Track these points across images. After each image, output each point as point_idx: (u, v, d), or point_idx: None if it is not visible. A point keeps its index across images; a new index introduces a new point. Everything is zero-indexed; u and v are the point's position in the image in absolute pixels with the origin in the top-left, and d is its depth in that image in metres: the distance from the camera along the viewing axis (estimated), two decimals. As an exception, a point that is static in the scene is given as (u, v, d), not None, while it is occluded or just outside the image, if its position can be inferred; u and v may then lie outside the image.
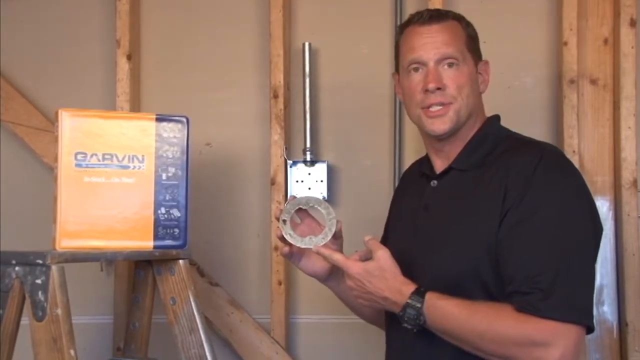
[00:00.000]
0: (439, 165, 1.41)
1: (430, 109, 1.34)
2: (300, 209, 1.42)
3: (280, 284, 1.96)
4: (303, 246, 1.39)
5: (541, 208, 1.22)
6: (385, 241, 1.51)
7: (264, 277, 2.02)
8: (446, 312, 1.22)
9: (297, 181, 1.99)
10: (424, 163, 1.46)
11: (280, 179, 1.98)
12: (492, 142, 1.35)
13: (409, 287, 1.27)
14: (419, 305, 1.23)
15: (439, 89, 1.32)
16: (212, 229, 2.06)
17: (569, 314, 1.17)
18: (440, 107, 1.33)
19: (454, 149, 1.38)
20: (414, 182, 1.48)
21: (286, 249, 1.42)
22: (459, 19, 1.35)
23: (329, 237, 1.38)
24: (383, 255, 1.29)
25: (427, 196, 1.39)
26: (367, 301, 1.31)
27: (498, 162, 1.31)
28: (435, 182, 1.40)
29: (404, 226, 1.43)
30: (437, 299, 1.24)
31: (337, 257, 1.33)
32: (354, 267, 1.29)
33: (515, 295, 1.20)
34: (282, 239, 1.41)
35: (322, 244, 1.37)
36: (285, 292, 1.97)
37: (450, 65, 1.32)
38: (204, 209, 2.04)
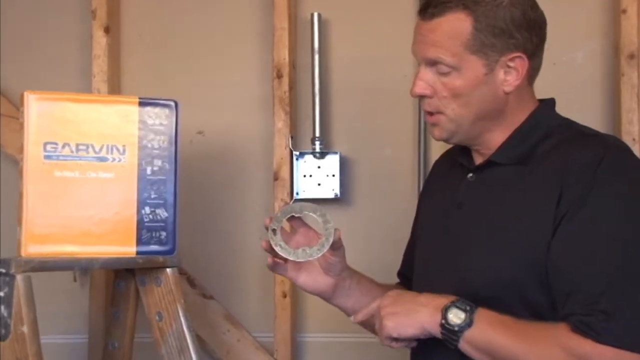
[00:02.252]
0: (479, 155, 1.39)
1: (427, 113, 1.37)
2: (293, 216, 1.40)
3: (285, 296, 1.95)
4: (295, 259, 1.37)
5: (604, 217, 1.21)
6: (412, 248, 1.52)
7: (266, 288, 2.00)
8: (495, 323, 1.21)
9: (304, 176, 1.97)
10: (460, 151, 1.43)
11: (284, 173, 1.97)
12: (544, 132, 1.33)
13: (450, 297, 1.26)
14: (467, 306, 1.23)
15: (422, 95, 1.34)
16: (206, 232, 2.05)
17: (633, 342, 1.15)
18: (434, 115, 1.34)
19: (497, 138, 1.36)
20: (446, 174, 1.46)
21: (270, 259, 1.42)
22: (472, 8, 1.28)
23: (326, 248, 1.36)
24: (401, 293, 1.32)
25: (462, 192, 1.37)
26: (393, 317, 1.28)
27: (550, 157, 1.29)
28: (473, 175, 1.38)
29: (433, 228, 1.42)
30: (486, 310, 1.23)
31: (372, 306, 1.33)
32: (382, 299, 1.31)
33: (571, 317, 1.19)
34: (271, 250, 1.40)
35: (318, 255, 1.36)
36: (290, 306, 1.96)
37: (440, 70, 1.31)
38: (196, 209, 2.03)
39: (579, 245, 1.21)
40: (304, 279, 1.44)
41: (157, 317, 1.53)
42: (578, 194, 1.23)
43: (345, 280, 1.44)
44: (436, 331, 1.25)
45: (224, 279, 2.04)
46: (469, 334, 1.23)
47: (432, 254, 1.38)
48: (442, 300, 1.25)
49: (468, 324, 1.22)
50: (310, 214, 1.38)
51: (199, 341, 1.81)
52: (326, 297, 1.47)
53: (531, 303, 1.24)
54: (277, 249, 1.37)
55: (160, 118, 1.51)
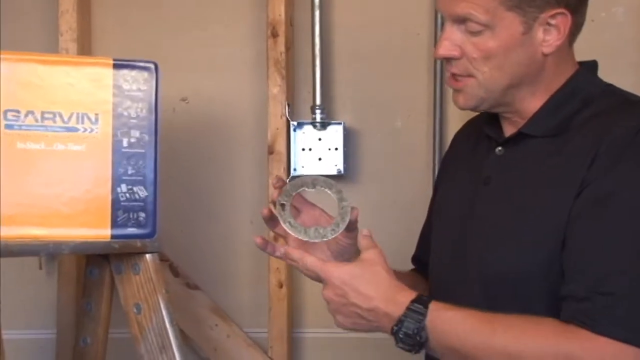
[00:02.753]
0: (508, 126, 1.39)
1: (452, 78, 1.36)
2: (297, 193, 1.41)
3: (281, 286, 1.96)
4: (307, 239, 1.38)
5: (626, 191, 1.21)
6: (429, 230, 1.50)
7: (259, 277, 2.01)
8: (456, 326, 1.22)
9: (303, 149, 1.99)
10: (488, 120, 1.43)
11: (280, 146, 1.98)
12: (582, 100, 1.33)
13: (408, 295, 1.26)
14: (420, 316, 1.23)
15: (449, 58, 1.34)
16: (190, 213, 2.06)
17: (632, 333, 1.15)
18: (460, 79, 1.34)
19: (531, 106, 1.35)
20: (471, 147, 1.46)
21: (259, 238, 1.42)
22: None
23: (341, 229, 1.37)
24: (374, 256, 1.30)
25: (489, 167, 1.38)
26: (346, 319, 1.30)
27: (589, 127, 1.29)
28: (502, 149, 1.38)
29: (454, 207, 1.42)
30: (446, 309, 1.24)
31: (309, 260, 1.32)
32: (334, 270, 1.29)
33: (568, 301, 1.21)
34: (270, 221, 1.41)
35: (332, 236, 1.36)
36: (287, 297, 1.97)
37: (470, 29, 1.31)
38: (179, 187, 2.04)
39: (592, 218, 1.22)
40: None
41: (135, 310, 1.53)
42: (607, 162, 1.23)
43: None
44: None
45: (211, 267, 2.05)
46: (428, 348, 1.25)
47: (453, 237, 1.38)
48: (392, 310, 1.25)
49: (420, 344, 1.24)
50: (325, 189, 1.38)
51: (183, 337, 1.81)
52: None
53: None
54: (285, 226, 1.37)
55: (137, 82, 1.50)
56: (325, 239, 1.37)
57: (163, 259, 1.96)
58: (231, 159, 2.05)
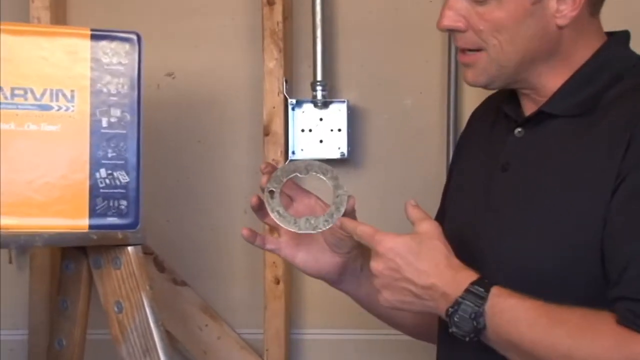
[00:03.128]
0: (528, 104, 1.38)
1: (461, 52, 1.37)
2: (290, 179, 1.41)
3: (277, 282, 1.97)
4: (296, 231, 1.38)
5: None
6: (442, 218, 1.49)
7: (253, 272, 2.02)
8: (517, 316, 1.22)
9: (302, 130, 1.99)
10: (507, 98, 1.43)
11: (277, 127, 1.97)
12: (612, 75, 1.32)
13: (469, 275, 1.26)
14: (480, 300, 1.23)
15: (453, 29, 1.34)
16: (177, 201, 2.06)
17: None
18: (469, 54, 1.35)
19: (552, 83, 1.35)
20: (488, 127, 1.46)
21: (246, 230, 1.43)
22: None
23: (336, 219, 1.37)
24: (431, 228, 1.29)
25: (508, 151, 1.38)
26: (395, 295, 1.30)
27: (620, 106, 1.28)
28: (521, 130, 1.37)
29: (469, 195, 1.43)
30: (508, 296, 1.24)
31: (364, 228, 1.32)
32: (389, 240, 1.28)
33: (620, 302, 1.20)
34: (259, 211, 1.41)
35: (324, 228, 1.36)
36: (284, 295, 1.97)
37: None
38: (165, 172, 2.05)
39: (636, 216, 1.21)
40: (304, 257, 1.45)
41: (115, 308, 1.53)
42: None
43: (356, 261, 1.45)
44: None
45: (200, 261, 2.06)
46: (483, 337, 1.25)
47: (467, 229, 1.38)
48: (450, 291, 1.25)
49: (478, 331, 1.24)
50: (319, 175, 1.38)
51: (169, 338, 1.80)
52: (331, 280, 1.48)
53: (595, 293, 1.23)
54: (274, 215, 1.37)
55: (118, 56, 1.49)
56: (317, 231, 1.37)
57: (147, 252, 1.95)
58: (222, 141, 2.05)
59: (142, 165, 1.52)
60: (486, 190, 1.38)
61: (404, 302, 1.29)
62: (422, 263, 1.26)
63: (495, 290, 1.23)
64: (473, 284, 1.24)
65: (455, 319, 1.24)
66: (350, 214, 1.38)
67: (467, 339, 1.25)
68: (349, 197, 1.37)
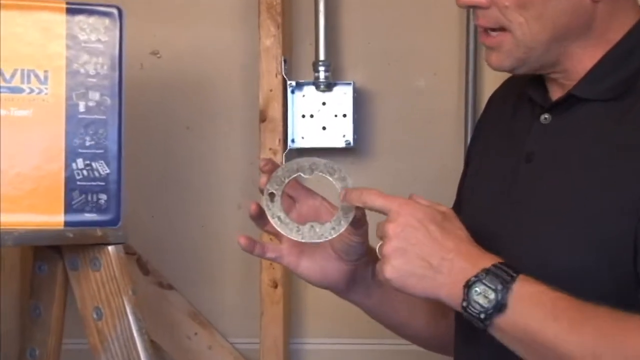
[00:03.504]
0: (556, 88, 1.37)
1: (483, 32, 1.37)
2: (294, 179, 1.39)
3: (275, 286, 1.97)
4: (299, 239, 1.35)
5: None
6: (458, 211, 1.49)
7: (248, 275, 2.02)
8: (544, 303, 1.20)
9: (303, 116, 2.00)
10: (531, 80, 1.41)
11: (275, 112, 1.98)
12: None
13: (494, 257, 1.25)
14: (508, 277, 1.21)
15: (474, 6, 1.34)
16: (163, 194, 2.07)
17: None
18: (492, 34, 1.35)
19: (583, 63, 1.34)
20: (510, 111, 1.45)
21: (244, 238, 1.41)
22: None
23: (344, 227, 1.34)
24: (451, 210, 1.30)
25: (533, 138, 1.37)
26: (405, 264, 1.25)
27: None
28: (548, 116, 1.36)
29: (489, 189, 1.42)
30: (536, 282, 1.22)
31: (372, 193, 1.29)
32: (409, 202, 1.27)
33: None
34: (259, 219, 1.39)
35: (330, 237, 1.33)
36: (283, 300, 1.97)
37: None
38: (150, 162, 2.05)
39: None
40: (308, 265, 1.43)
41: (94, 315, 1.52)
42: None
43: (366, 269, 1.43)
44: (457, 308, 1.24)
45: (189, 262, 2.07)
46: (499, 320, 1.22)
47: (486, 226, 1.36)
48: (470, 266, 1.24)
49: (498, 308, 1.21)
50: (325, 176, 1.36)
51: (154, 348, 1.81)
52: (338, 290, 1.46)
53: (619, 291, 1.24)
54: (274, 221, 1.34)
55: (97, 32, 1.48)
56: (323, 240, 1.34)
57: (129, 252, 1.96)
58: (213, 128, 2.06)
59: (124, 155, 1.51)
60: (510, 183, 1.38)
61: (413, 275, 1.25)
62: (445, 236, 1.25)
63: (522, 275, 1.22)
64: (501, 263, 1.22)
65: (476, 289, 1.21)
66: (359, 219, 1.37)
67: (476, 323, 1.22)
68: None
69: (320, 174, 1.38)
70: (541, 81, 1.40)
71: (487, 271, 1.22)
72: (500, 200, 1.38)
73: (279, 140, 1.97)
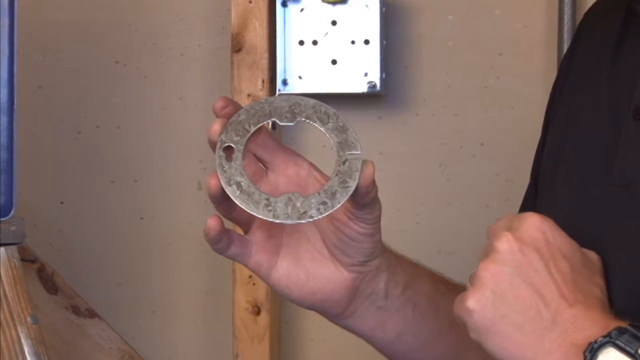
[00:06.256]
0: None
1: None
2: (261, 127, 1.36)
3: (257, 311, 1.98)
4: (272, 219, 1.31)
5: None
6: (534, 194, 1.46)
7: (214, 292, 2.07)
8: None
9: (301, 43, 2.00)
10: None
11: (255, 37, 1.99)
12: None
13: (607, 318, 1.21)
14: (637, 341, 1.19)
15: None
16: (80, 168, 2.09)
17: None
18: None
19: None
20: (611, 42, 1.38)
21: (214, 221, 1.37)
22: None
23: (341, 202, 1.28)
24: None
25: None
26: (513, 291, 1.25)
27: None
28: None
29: (584, 159, 1.38)
30: None
31: None
32: (532, 214, 1.24)
33: None
34: (222, 205, 1.36)
35: (319, 216, 1.23)
36: (269, 333, 2.00)
37: None
38: (61, 116, 2.09)
39: None
40: (287, 269, 1.32)
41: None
42: None
43: (376, 279, 1.35)
44: None
45: (120, 275, 2.08)
46: None
47: (580, 206, 1.35)
48: (594, 327, 1.21)
49: None
50: (313, 123, 1.36)
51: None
52: (333, 311, 1.35)
53: None
54: (229, 190, 1.28)
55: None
56: (306, 220, 1.26)
57: (27, 258, 1.97)
58: (159, 64, 2.06)
59: (17, 118, 1.54)
60: (611, 150, 1.33)
61: (515, 308, 1.20)
62: (577, 274, 1.23)
63: None
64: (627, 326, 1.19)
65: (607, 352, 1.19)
66: (366, 190, 1.33)
67: None
68: (364, 162, 1.35)
69: (307, 120, 1.35)
70: None
71: (621, 330, 1.22)
72: (598, 178, 1.34)
73: (263, 80, 1.97)
